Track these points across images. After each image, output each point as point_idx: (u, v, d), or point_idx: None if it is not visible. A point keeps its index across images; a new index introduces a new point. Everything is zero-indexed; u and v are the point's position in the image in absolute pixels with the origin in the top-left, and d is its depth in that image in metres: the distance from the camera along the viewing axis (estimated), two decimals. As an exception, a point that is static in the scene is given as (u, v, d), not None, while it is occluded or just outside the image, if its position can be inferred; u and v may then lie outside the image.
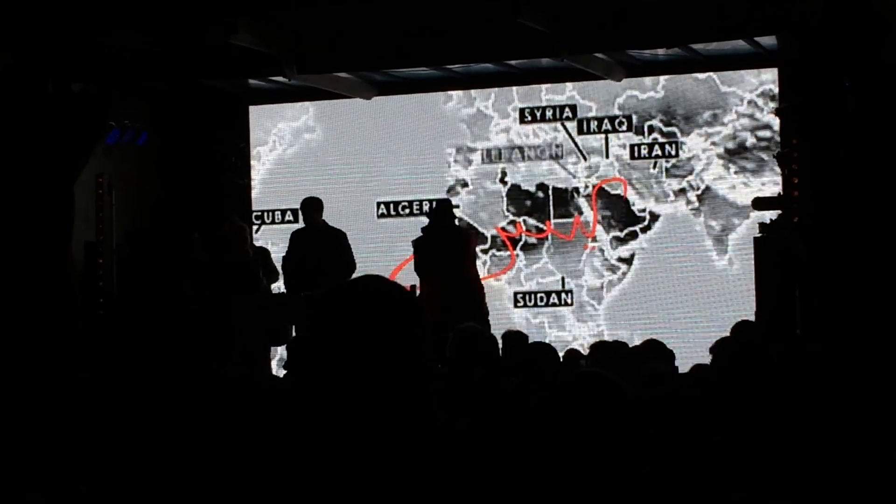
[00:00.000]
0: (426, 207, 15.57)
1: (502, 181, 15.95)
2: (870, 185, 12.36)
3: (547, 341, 15.11)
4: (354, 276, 8.28)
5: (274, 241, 16.18)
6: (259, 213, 16.67)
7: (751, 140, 15.19)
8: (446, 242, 13.68)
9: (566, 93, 15.75)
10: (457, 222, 14.57)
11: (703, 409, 4.75)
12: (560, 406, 3.79)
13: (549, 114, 15.81)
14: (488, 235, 15.96)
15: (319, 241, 14.02)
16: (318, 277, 13.42)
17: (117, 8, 13.26)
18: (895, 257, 12.20)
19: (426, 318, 2.96)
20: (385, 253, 15.84)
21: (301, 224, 14.50)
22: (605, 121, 15.61)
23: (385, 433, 2.85)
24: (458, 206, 15.77)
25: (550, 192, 15.78)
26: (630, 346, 9.77)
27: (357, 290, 2.96)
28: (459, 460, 2.94)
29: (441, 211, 14.00)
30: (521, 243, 15.88)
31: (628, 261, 15.52)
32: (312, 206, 14.23)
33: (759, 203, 14.03)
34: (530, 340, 10.47)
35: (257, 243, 16.47)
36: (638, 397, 4.65)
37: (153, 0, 13.29)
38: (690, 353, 11.17)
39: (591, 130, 15.65)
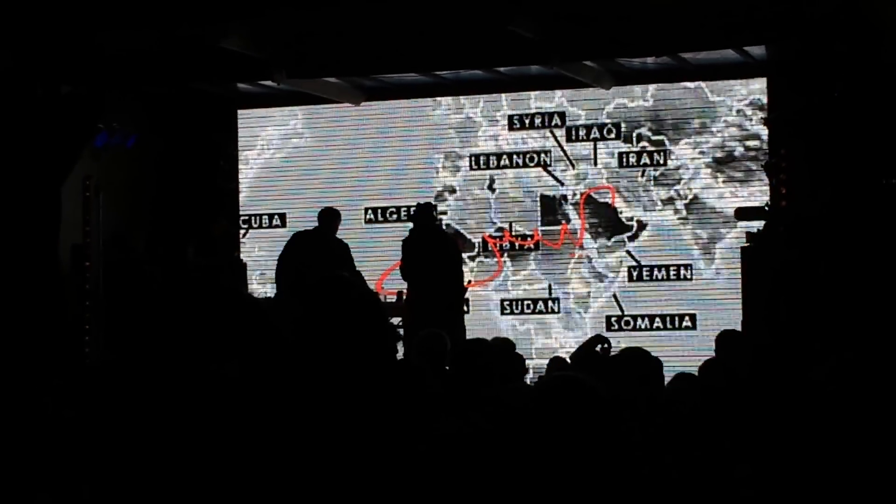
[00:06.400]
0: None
1: (490, 188, 15.95)
2: (859, 193, 12.38)
3: (533, 349, 15.28)
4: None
5: (261, 245, 16.18)
6: (246, 218, 16.64)
7: (739, 149, 15.21)
8: (430, 247, 13.71)
9: (555, 100, 15.76)
10: (443, 226, 14.49)
11: (699, 413, 4.75)
12: (538, 411, 3.79)
13: (537, 121, 15.81)
14: (476, 242, 15.95)
15: (326, 250, 13.95)
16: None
17: (108, 11, 13.24)
18: (886, 265, 12.21)
19: (384, 313, 3.02)
20: (373, 258, 15.82)
21: (298, 229, 14.42)
22: (594, 128, 15.62)
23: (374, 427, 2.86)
24: (445, 213, 15.78)
25: (538, 199, 15.79)
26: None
27: (324, 287, 2.99)
28: (454, 462, 2.94)
29: (422, 215, 14.02)
30: (509, 250, 15.88)
31: (615, 269, 15.53)
32: (336, 218, 14.28)
33: (742, 213, 14.03)
34: (517, 349, 10.48)
35: (244, 247, 16.48)
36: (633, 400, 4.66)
37: (144, 4, 13.27)
38: (676, 362, 11.18)
39: (580, 138, 15.66)
